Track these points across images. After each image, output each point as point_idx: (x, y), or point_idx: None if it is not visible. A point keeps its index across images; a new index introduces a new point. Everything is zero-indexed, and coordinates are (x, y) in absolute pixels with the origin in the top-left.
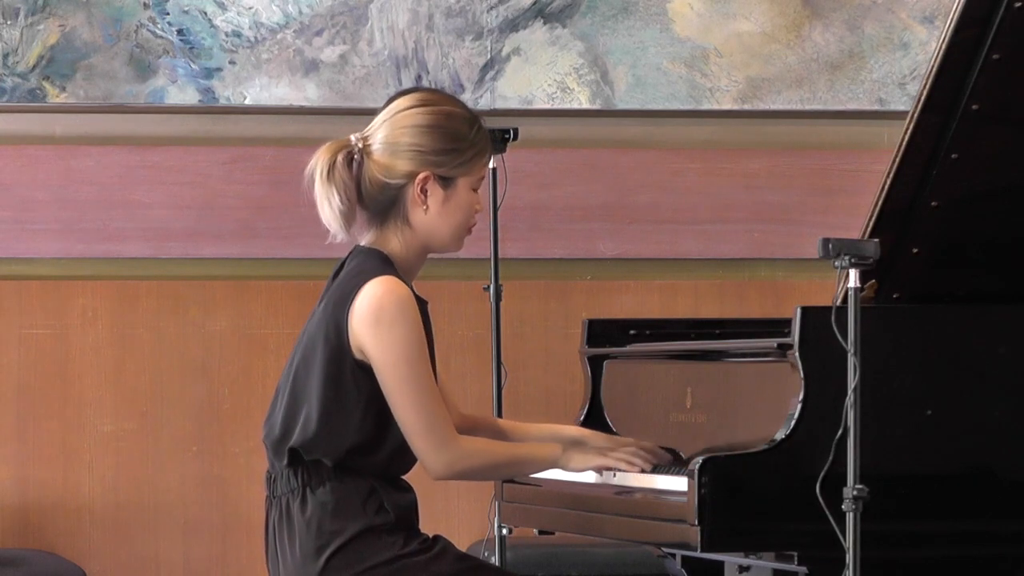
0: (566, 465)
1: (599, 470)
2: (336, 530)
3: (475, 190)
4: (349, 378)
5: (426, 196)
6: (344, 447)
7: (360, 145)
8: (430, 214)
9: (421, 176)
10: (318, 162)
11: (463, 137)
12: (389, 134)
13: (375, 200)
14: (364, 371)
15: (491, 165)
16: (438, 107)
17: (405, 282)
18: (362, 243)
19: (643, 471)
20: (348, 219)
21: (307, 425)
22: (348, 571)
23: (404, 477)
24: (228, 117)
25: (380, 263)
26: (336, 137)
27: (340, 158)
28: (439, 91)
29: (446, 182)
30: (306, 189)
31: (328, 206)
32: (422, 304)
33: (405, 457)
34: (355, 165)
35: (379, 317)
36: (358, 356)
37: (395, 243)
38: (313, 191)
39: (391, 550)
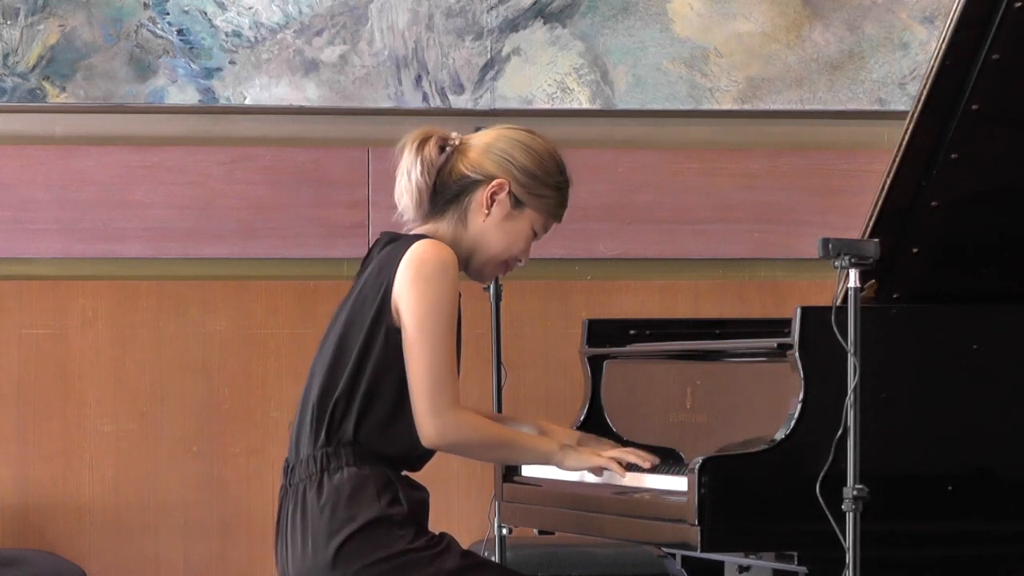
0: (561, 462)
1: (595, 471)
2: (350, 516)
3: (535, 233)
4: (380, 337)
5: (493, 202)
6: (361, 403)
7: (456, 142)
8: (488, 222)
9: (499, 181)
10: (411, 134)
11: (552, 175)
12: (491, 139)
13: (447, 189)
14: (396, 333)
15: None
16: (546, 143)
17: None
18: (411, 231)
19: (640, 471)
20: (421, 196)
21: (345, 380)
22: (358, 560)
23: (416, 477)
24: (228, 117)
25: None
26: (337, 137)
27: (434, 139)
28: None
29: (517, 202)
30: (392, 161)
31: (407, 178)
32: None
33: (418, 446)
34: (445, 153)
35: (419, 271)
36: (394, 318)
37: (446, 233)
38: (399, 160)
39: (400, 543)
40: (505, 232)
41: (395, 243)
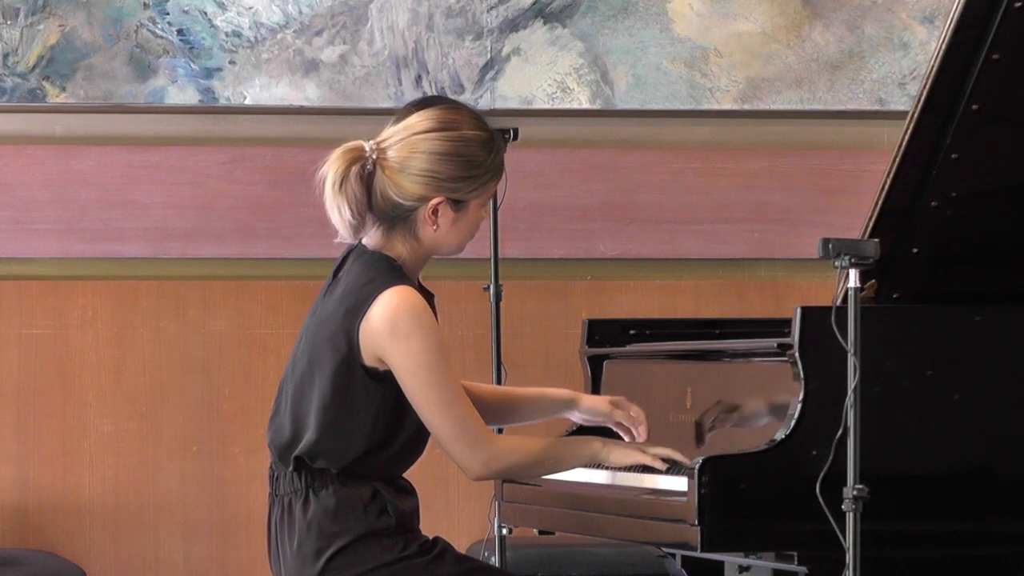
0: (606, 460)
1: (638, 466)
2: (337, 532)
3: (485, 207)
4: (359, 387)
5: (437, 217)
6: (351, 456)
7: (374, 156)
8: (439, 232)
9: (435, 201)
10: (330, 170)
11: (480, 164)
12: (405, 155)
13: (384, 212)
14: (375, 380)
15: None
16: (457, 132)
17: (413, 284)
18: (366, 243)
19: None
20: (357, 229)
21: (314, 435)
22: (347, 573)
23: (408, 477)
24: (228, 117)
25: (389, 270)
26: (336, 137)
27: (354, 170)
28: (457, 108)
29: (458, 205)
30: (316, 192)
31: (338, 215)
32: (429, 297)
33: (408, 458)
34: (367, 175)
35: (395, 328)
36: (369, 364)
37: (400, 250)
38: (323, 195)
39: (391, 552)
40: (459, 230)
41: (360, 267)
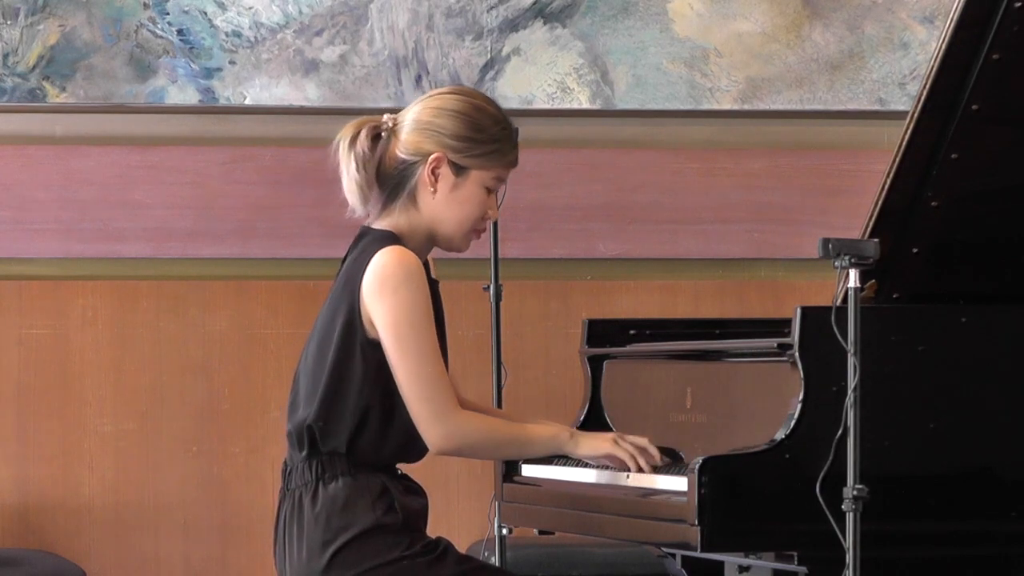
0: (574, 450)
1: (608, 459)
2: (344, 525)
3: (489, 191)
4: (358, 354)
5: (436, 178)
6: (350, 425)
7: (390, 124)
8: (437, 198)
9: (434, 156)
10: (344, 132)
11: (484, 130)
12: (417, 113)
13: (389, 176)
14: (374, 347)
15: None
16: (471, 99)
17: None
18: (372, 225)
19: (644, 470)
20: (363, 191)
21: (318, 406)
22: (352, 568)
23: (417, 478)
24: (228, 117)
25: (387, 239)
26: (336, 137)
27: (365, 131)
28: (482, 93)
29: (459, 169)
30: (331, 158)
31: (346, 175)
32: (433, 284)
33: (411, 444)
34: (380, 141)
35: (384, 282)
36: (369, 332)
37: (402, 222)
38: (336, 157)
39: (395, 550)
40: (458, 202)
41: (359, 247)
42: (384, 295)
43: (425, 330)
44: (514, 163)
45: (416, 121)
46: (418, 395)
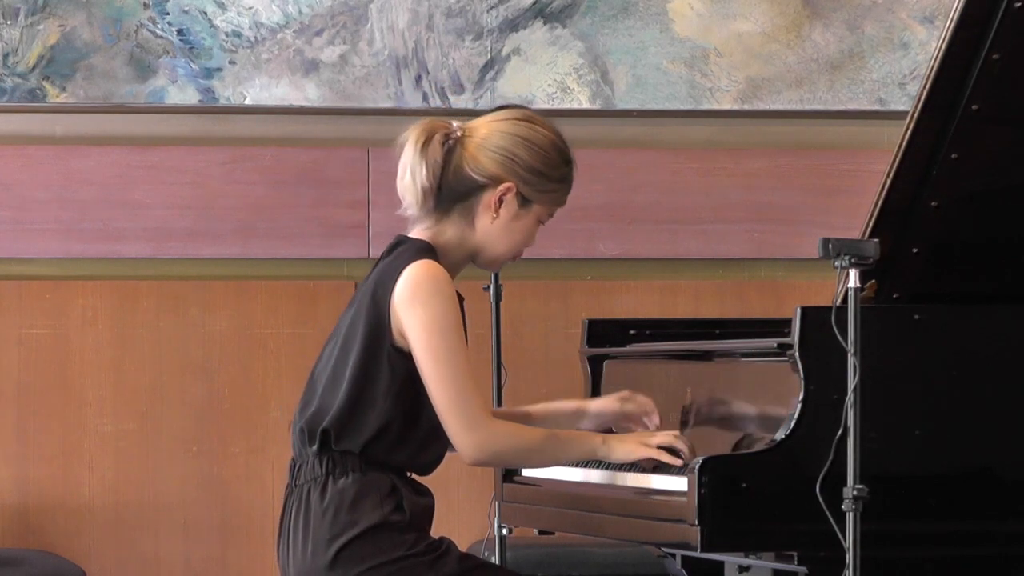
0: (608, 456)
1: (644, 462)
2: (351, 521)
3: (541, 222)
4: (384, 362)
5: (501, 205)
6: (369, 431)
7: (459, 133)
8: (496, 224)
9: (506, 185)
10: (414, 132)
11: (557, 167)
12: (486, 133)
13: (451, 189)
14: (401, 356)
15: None
16: (545, 130)
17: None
18: (411, 234)
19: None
20: (427, 196)
21: (339, 408)
22: (356, 565)
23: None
24: (228, 117)
25: (421, 251)
26: (337, 137)
27: (438, 136)
28: (551, 123)
29: (524, 201)
30: (394, 157)
31: (411, 178)
32: (459, 299)
33: (429, 448)
34: (447, 149)
35: (415, 294)
36: (397, 341)
37: (449, 235)
38: (401, 158)
39: (400, 549)
40: (513, 231)
41: (394, 254)
42: (416, 306)
43: (456, 341)
44: (566, 200)
45: (491, 143)
46: (449, 406)
